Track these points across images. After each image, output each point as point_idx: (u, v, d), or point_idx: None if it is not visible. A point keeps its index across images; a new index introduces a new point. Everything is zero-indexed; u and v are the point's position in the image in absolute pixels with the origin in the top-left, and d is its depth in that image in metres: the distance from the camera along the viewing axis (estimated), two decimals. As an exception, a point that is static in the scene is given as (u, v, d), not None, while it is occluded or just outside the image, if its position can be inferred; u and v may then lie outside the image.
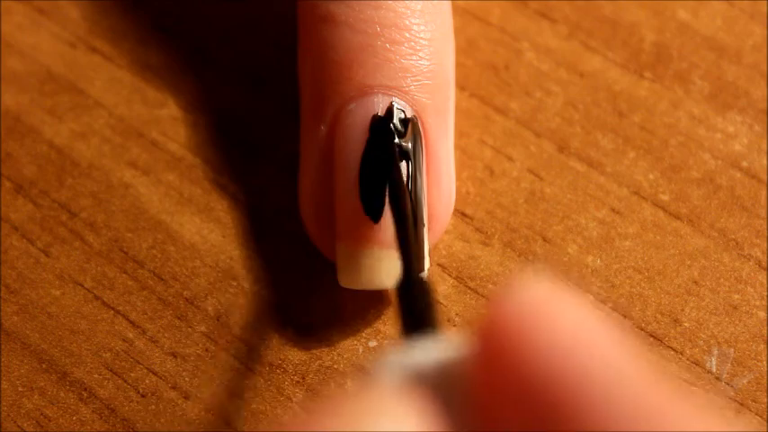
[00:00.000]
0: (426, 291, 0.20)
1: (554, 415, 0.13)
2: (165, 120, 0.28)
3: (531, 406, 0.14)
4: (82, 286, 0.26)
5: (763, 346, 0.24)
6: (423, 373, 0.15)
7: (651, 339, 0.24)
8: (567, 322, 0.14)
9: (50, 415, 0.24)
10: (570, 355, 0.13)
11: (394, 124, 0.24)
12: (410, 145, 0.24)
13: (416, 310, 0.19)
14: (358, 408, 0.14)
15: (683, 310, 0.25)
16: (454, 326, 0.25)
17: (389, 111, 0.24)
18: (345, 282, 0.24)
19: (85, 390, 0.25)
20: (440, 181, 0.24)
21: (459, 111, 0.27)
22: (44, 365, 0.25)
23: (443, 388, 0.15)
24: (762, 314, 0.25)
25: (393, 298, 0.24)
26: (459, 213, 0.26)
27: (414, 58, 0.24)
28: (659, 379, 0.14)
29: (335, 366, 0.25)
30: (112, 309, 0.25)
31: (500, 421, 0.14)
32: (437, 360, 0.15)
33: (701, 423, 0.13)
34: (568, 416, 0.13)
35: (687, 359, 0.24)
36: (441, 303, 0.25)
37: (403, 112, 0.24)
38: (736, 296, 0.25)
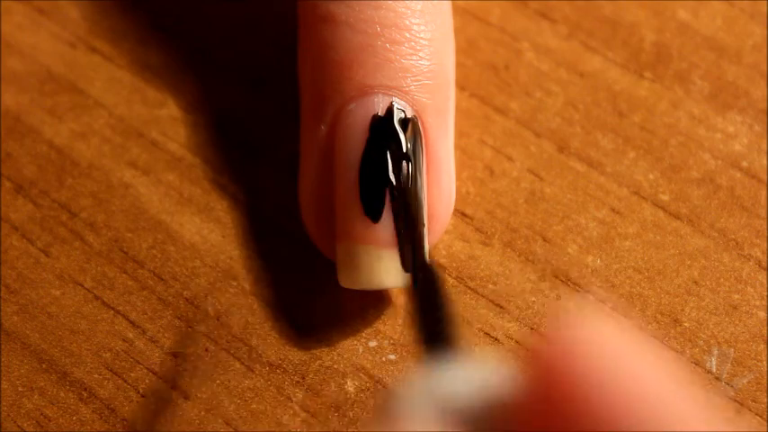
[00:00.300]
0: (446, 298, 0.19)
1: None
2: (165, 120, 0.28)
3: None
4: (82, 286, 0.26)
5: (763, 346, 0.24)
6: (456, 402, 0.14)
7: (651, 339, 0.24)
8: (627, 362, 0.13)
9: (50, 415, 0.24)
10: (632, 397, 0.13)
11: (393, 123, 0.24)
12: (410, 145, 0.24)
13: (437, 320, 0.18)
14: None
15: (683, 310, 0.25)
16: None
17: (389, 111, 0.24)
18: (345, 282, 0.24)
19: (85, 390, 0.25)
20: (440, 181, 0.24)
21: (459, 111, 0.27)
22: (44, 365, 0.25)
23: (480, 421, 0.14)
24: (762, 314, 0.25)
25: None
26: (459, 213, 0.26)
27: (414, 58, 0.24)
28: (716, 419, 0.13)
29: (335, 366, 0.24)
30: (112, 309, 0.25)
31: None
32: (473, 390, 0.14)
33: None
34: None
35: (687, 359, 0.24)
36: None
37: (403, 111, 0.24)
38: (736, 296, 0.25)
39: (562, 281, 0.25)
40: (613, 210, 0.26)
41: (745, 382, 0.24)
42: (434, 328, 0.17)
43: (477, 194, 0.26)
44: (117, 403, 0.24)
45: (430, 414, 0.14)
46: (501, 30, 0.28)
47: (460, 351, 0.16)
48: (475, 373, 0.14)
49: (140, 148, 0.27)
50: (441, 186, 0.25)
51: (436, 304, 0.18)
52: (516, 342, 0.24)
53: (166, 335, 0.25)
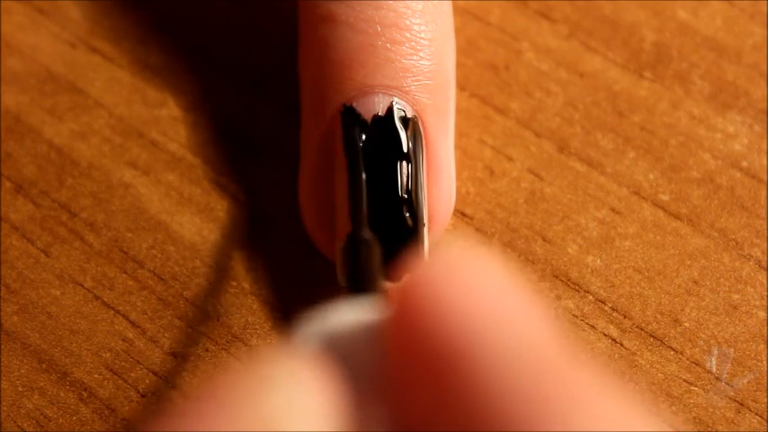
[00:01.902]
0: (371, 253, 0.20)
1: (454, 386, 0.13)
2: (165, 120, 0.28)
3: (437, 371, 0.13)
4: (82, 286, 0.26)
5: (763, 346, 0.24)
6: (334, 337, 0.15)
7: (651, 339, 0.24)
8: (480, 287, 0.14)
9: (50, 415, 0.24)
10: (475, 320, 0.13)
11: (394, 123, 0.24)
12: (411, 145, 0.24)
13: (358, 270, 0.19)
14: (255, 378, 0.14)
15: (683, 310, 0.25)
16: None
17: (390, 110, 0.24)
18: (345, 282, 0.24)
19: (85, 390, 0.25)
20: (440, 181, 0.24)
21: (459, 111, 0.27)
22: (44, 365, 0.25)
23: (355, 354, 0.15)
24: (762, 314, 0.25)
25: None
26: (459, 213, 0.26)
27: (414, 58, 0.24)
28: (563, 350, 0.14)
29: (335, 366, 0.24)
30: (112, 309, 0.25)
31: (407, 389, 0.14)
32: (351, 323, 0.15)
33: (597, 394, 0.13)
34: (466, 386, 0.13)
35: (687, 359, 0.24)
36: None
37: (403, 111, 0.24)
38: (736, 296, 0.25)
39: (562, 281, 0.25)
40: (613, 210, 0.26)
41: (745, 382, 0.24)
42: (355, 280, 0.19)
43: (477, 194, 0.26)
44: (117, 403, 0.24)
45: (309, 348, 0.15)
46: (501, 30, 0.28)
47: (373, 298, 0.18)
48: (360, 310, 0.15)
49: (140, 148, 0.27)
50: (441, 186, 0.25)
51: (360, 258, 0.20)
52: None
53: (166, 335, 0.25)
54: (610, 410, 0.13)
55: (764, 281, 0.25)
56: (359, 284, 0.19)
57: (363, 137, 0.23)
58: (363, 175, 0.23)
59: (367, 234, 0.21)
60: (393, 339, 0.14)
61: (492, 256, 0.14)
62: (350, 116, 0.24)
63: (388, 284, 0.14)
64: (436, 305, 0.14)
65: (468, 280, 0.14)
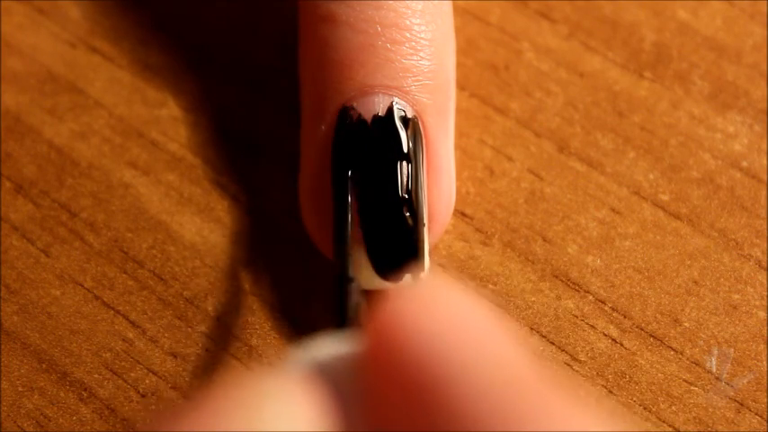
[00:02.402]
0: (353, 291, 0.21)
1: (429, 411, 0.14)
2: (165, 120, 0.28)
3: (412, 399, 0.14)
4: (82, 286, 0.26)
5: (763, 346, 0.24)
6: (322, 366, 0.15)
7: (651, 339, 0.24)
8: (451, 318, 0.14)
9: (50, 415, 0.24)
10: (448, 351, 0.14)
11: (394, 123, 0.24)
12: (411, 145, 0.24)
13: (342, 307, 0.20)
14: (249, 391, 0.15)
15: (683, 310, 0.25)
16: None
17: (390, 110, 0.24)
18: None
19: (85, 390, 0.25)
20: (440, 181, 0.24)
21: (459, 111, 0.27)
22: (44, 365, 0.25)
23: (339, 380, 0.15)
24: (762, 314, 0.25)
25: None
26: (459, 213, 0.26)
27: (414, 58, 0.24)
28: (540, 378, 0.14)
29: (336, 366, 0.24)
30: (112, 309, 0.25)
31: (388, 416, 0.14)
32: (337, 354, 0.16)
33: (572, 420, 0.13)
34: (442, 413, 0.14)
35: (687, 359, 0.24)
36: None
37: (404, 111, 0.24)
38: (736, 296, 0.25)
39: (562, 281, 0.25)
40: (613, 210, 0.26)
41: (745, 382, 0.24)
42: (339, 317, 0.20)
43: (477, 194, 0.26)
44: (117, 403, 0.24)
45: (296, 373, 0.15)
46: (501, 30, 0.28)
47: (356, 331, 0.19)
48: (346, 341, 0.16)
49: (140, 148, 0.27)
50: (441, 186, 0.25)
51: (344, 296, 0.21)
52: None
53: (166, 335, 0.25)
54: (582, 426, 0.13)
55: (764, 281, 0.25)
56: (341, 320, 0.20)
57: (351, 173, 0.24)
58: (349, 216, 0.23)
59: (350, 274, 0.22)
60: (370, 368, 0.15)
61: (460, 288, 0.15)
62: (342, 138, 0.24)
63: (369, 314, 0.15)
64: (407, 336, 0.14)
65: (439, 309, 0.14)
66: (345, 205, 0.23)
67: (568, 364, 0.24)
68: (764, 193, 0.26)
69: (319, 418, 0.15)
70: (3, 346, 0.25)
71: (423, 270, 0.23)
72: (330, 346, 0.16)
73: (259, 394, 0.14)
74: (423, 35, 0.24)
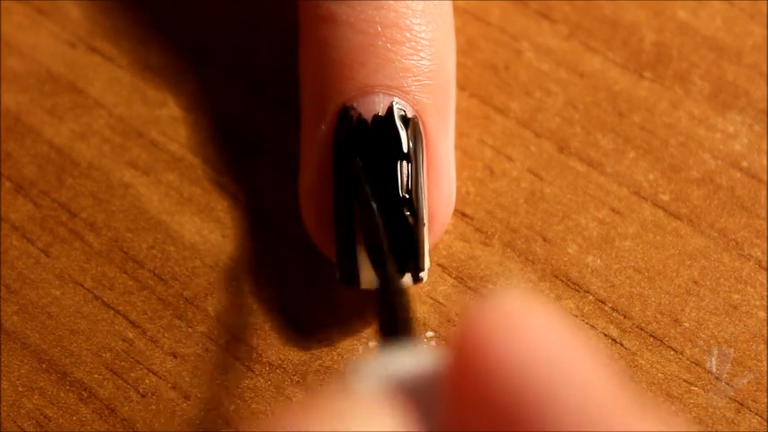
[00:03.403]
0: (405, 299, 0.20)
1: (510, 419, 0.14)
2: (165, 120, 0.28)
3: (498, 418, 0.14)
4: (82, 286, 0.26)
5: (763, 346, 0.24)
6: (399, 381, 0.15)
7: (651, 339, 0.24)
8: (538, 336, 0.14)
9: (50, 415, 0.24)
10: (538, 370, 0.14)
11: (394, 123, 0.24)
12: (411, 144, 0.24)
13: (395, 317, 0.20)
14: (335, 410, 0.14)
15: (683, 310, 0.25)
16: (454, 326, 0.25)
17: (390, 110, 0.24)
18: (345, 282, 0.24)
19: (85, 390, 0.25)
20: (440, 181, 0.24)
21: (459, 111, 0.27)
22: (44, 365, 0.25)
23: (419, 397, 0.15)
24: (762, 314, 0.25)
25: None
26: (459, 213, 0.26)
27: (415, 58, 0.24)
28: (627, 396, 0.14)
29: (335, 366, 0.24)
30: (112, 309, 0.25)
31: (469, 425, 0.14)
32: (414, 369, 0.15)
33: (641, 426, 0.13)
34: (521, 420, 0.14)
35: (687, 359, 0.24)
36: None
37: (404, 111, 0.24)
38: (736, 296, 0.25)
39: (562, 281, 0.25)
40: (613, 210, 0.26)
41: (745, 382, 0.24)
42: (393, 327, 0.19)
43: (477, 194, 0.26)
44: (117, 403, 0.24)
45: (372, 388, 0.15)
46: (501, 30, 0.28)
47: (411, 343, 0.18)
48: (417, 355, 0.16)
49: (140, 148, 0.27)
50: (441, 186, 0.25)
51: (396, 305, 0.20)
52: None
53: (166, 335, 0.25)
54: None
55: (764, 281, 0.25)
56: (399, 332, 0.19)
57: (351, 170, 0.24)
58: (352, 219, 0.23)
59: (400, 283, 0.22)
60: (454, 388, 0.15)
61: (544, 303, 0.15)
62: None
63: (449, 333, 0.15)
64: (496, 355, 0.14)
65: (526, 329, 0.14)
66: (346, 206, 0.23)
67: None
68: (764, 193, 0.26)
69: None
70: (3, 346, 0.25)
71: (423, 270, 0.23)
72: (405, 361, 0.16)
73: (341, 415, 0.14)
74: (423, 35, 0.24)
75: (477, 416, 0.14)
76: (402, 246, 0.23)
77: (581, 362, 0.14)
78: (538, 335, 0.14)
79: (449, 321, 0.25)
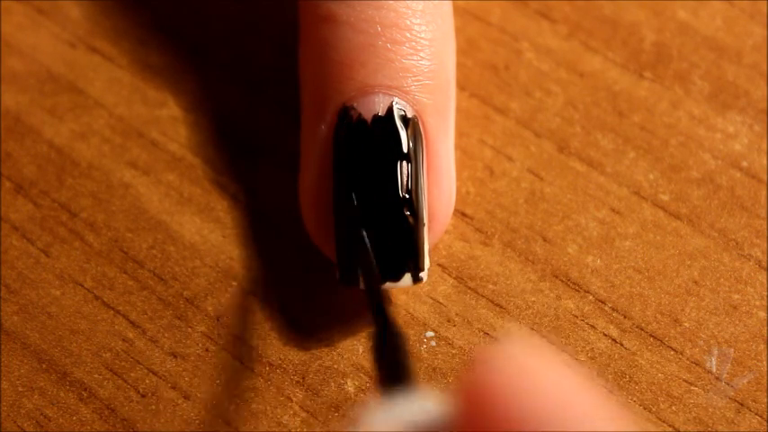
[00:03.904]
0: (403, 343, 0.20)
1: None
2: (165, 120, 0.28)
3: None
4: (82, 286, 0.26)
5: (763, 346, 0.24)
6: (413, 426, 0.15)
7: (651, 339, 0.24)
8: (549, 386, 0.14)
9: (50, 415, 0.24)
10: (551, 420, 0.14)
11: (394, 123, 0.24)
12: (411, 144, 0.24)
13: (395, 363, 0.20)
14: None
15: (683, 310, 0.25)
16: (454, 326, 0.25)
17: (390, 110, 0.24)
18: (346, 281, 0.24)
19: (85, 390, 0.25)
20: (440, 181, 0.24)
21: (459, 111, 0.27)
22: (44, 365, 0.25)
23: None
24: (762, 314, 0.25)
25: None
26: (459, 213, 0.26)
27: (415, 58, 0.24)
28: None
29: (335, 366, 0.24)
30: (112, 309, 0.25)
31: None
32: (423, 418, 0.15)
33: None
34: None
35: (687, 359, 0.24)
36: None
37: (404, 111, 0.24)
38: (736, 296, 0.25)
39: (562, 281, 0.25)
40: (613, 210, 0.26)
41: (745, 382, 0.24)
42: (394, 373, 0.19)
43: (477, 194, 0.26)
44: (117, 403, 0.24)
45: None
46: (501, 30, 0.28)
47: (414, 388, 0.18)
48: (425, 403, 0.16)
49: (140, 148, 0.27)
50: (441, 186, 0.25)
51: (394, 351, 0.20)
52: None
53: (166, 335, 0.25)
54: None
55: (764, 281, 0.25)
56: (403, 380, 0.19)
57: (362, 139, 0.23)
58: (353, 223, 0.23)
59: (397, 329, 0.22)
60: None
61: (551, 355, 0.15)
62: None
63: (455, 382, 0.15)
64: (508, 407, 0.14)
65: (536, 381, 0.14)
66: (346, 206, 0.23)
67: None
68: (764, 193, 0.26)
69: None
70: (3, 346, 0.25)
71: (423, 270, 0.23)
72: (415, 409, 0.16)
73: None
74: (423, 35, 0.24)
75: None
76: (402, 246, 0.23)
77: (594, 417, 0.14)
78: (548, 387, 0.14)
79: (449, 321, 0.25)
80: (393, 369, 0.19)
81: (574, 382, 0.14)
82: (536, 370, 0.14)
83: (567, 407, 0.14)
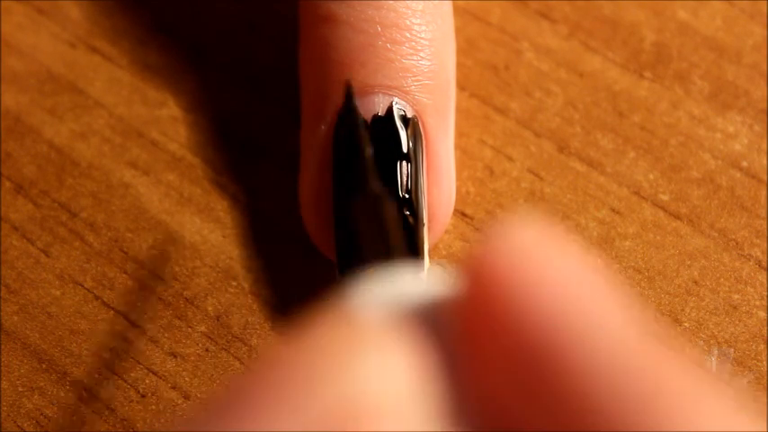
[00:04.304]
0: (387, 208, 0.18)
1: (535, 360, 0.13)
2: (165, 120, 0.28)
3: (515, 350, 0.13)
4: (82, 286, 0.26)
5: (763, 346, 0.24)
6: (408, 307, 0.14)
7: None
8: (556, 268, 0.13)
9: (50, 415, 0.24)
10: (555, 303, 0.13)
11: (394, 123, 0.24)
12: (411, 144, 0.24)
13: (382, 229, 0.18)
14: (338, 343, 0.13)
15: (683, 310, 0.25)
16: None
17: (390, 110, 0.24)
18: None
19: (85, 390, 0.25)
20: (440, 181, 0.24)
21: (459, 111, 0.27)
22: (44, 365, 0.25)
23: (430, 324, 0.14)
24: (762, 314, 0.25)
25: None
26: (459, 213, 0.26)
27: (414, 58, 0.24)
28: (643, 332, 0.13)
29: (336, 366, 0.24)
30: (112, 309, 0.25)
31: (485, 361, 0.14)
32: (422, 295, 0.14)
33: (675, 377, 0.13)
34: (547, 362, 0.13)
35: (687, 359, 0.24)
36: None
37: (403, 111, 0.24)
38: (736, 296, 0.25)
39: (562, 281, 0.25)
40: (613, 210, 0.26)
41: (745, 382, 0.24)
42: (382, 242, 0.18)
43: (477, 194, 0.26)
44: (117, 403, 0.24)
45: (382, 317, 0.14)
46: (501, 30, 0.28)
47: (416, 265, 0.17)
48: (422, 279, 0.14)
49: (140, 148, 0.27)
50: (441, 186, 0.25)
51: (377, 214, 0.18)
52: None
53: (166, 335, 0.25)
54: (713, 410, 0.12)
55: (764, 281, 0.25)
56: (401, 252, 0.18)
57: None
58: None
59: (377, 188, 0.19)
60: (468, 317, 0.14)
61: (563, 238, 0.14)
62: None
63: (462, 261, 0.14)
64: (516, 288, 0.13)
65: (547, 262, 0.13)
66: (346, 206, 0.23)
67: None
68: (764, 193, 0.26)
69: (420, 373, 0.13)
70: (3, 346, 0.25)
71: (422, 270, 0.23)
72: (412, 286, 0.14)
73: (345, 348, 0.13)
74: (423, 35, 0.24)
75: (497, 348, 0.13)
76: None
77: (604, 297, 0.13)
78: (559, 268, 0.13)
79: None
80: (377, 237, 0.18)
81: (586, 269, 0.13)
82: (546, 253, 0.13)
83: (581, 294, 0.13)
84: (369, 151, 0.19)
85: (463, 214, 0.26)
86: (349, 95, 0.21)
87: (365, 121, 0.23)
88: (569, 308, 0.13)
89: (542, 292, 0.13)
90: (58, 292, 0.26)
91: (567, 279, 0.13)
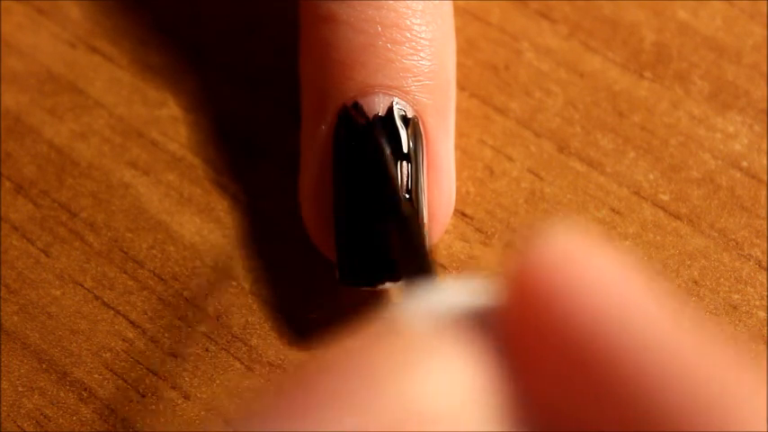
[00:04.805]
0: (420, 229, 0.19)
1: (588, 362, 0.13)
2: (165, 120, 0.28)
3: (565, 353, 0.13)
4: (82, 286, 0.26)
5: (763, 347, 0.24)
6: (455, 316, 0.14)
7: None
8: (596, 272, 0.13)
9: (50, 415, 0.24)
10: (599, 303, 0.13)
11: (394, 123, 0.24)
12: (411, 145, 0.24)
13: (417, 249, 0.19)
14: (398, 352, 0.13)
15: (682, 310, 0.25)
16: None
17: (390, 110, 0.24)
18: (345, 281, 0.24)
19: (85, 390, 0.25)
20: (440, 181, 0.24)
21: (459, 111, 0.27)
22: (44, 365, 0.25)
23: (480, 332, 0.14)
24: (762, 314, 0.25)
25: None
26: (459, 213, 0.26)
27: (415, 58, 0.24)
28: (687, 325, 0.13)
29: (336, 366, 0.24)
30: (112, 309, 0.25)
31: (536, 367, 0.14)
32: (467, 304, 0.14)
33: (725, 369, 0.13)
34: (601, 362, 0.13)
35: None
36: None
37: (404, 111, 0.24)
38: (736, 296, 0.25)
39: (562, 281, 0.25)
40: (613, 210, 0.26)
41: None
42: (417, 259, 0.18)
43: (477, 194, 0.26)
44: (117, 403, 0.24)
45: (430, 326, 0.14)
46: (501, 30, 0.28)
47: (441, 279, 0.17)
48: (464, 291, 0.15)
49: (140, 148, 0.27)
50: (441, 187, 0.25)
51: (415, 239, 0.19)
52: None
53: (166, 335, 0.25)
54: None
55: (764, 281, 0.25)
56: (421, 267, 0.18)
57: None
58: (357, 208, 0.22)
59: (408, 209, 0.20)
60: (515, 324, 0.14)
61: (601, 245, 0.14)
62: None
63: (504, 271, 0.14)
64: (560, 292, 0.13)
65: (588, 266, 0.13)
66: (346, 206, 0.23)
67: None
68: (764, 193, 0.26)
69: (477, 380, 0.13)
70: (3, 346, 0.25)
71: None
72: (456, 296, 0.14)
73: (412, 353, 0.13)
74: (423, 35, 0.24)
75: (547, 353, 0.13)
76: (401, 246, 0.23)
77: (647, 294, 0.13)
78: (599, 269, 0.13)
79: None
80: (419, 259, 0.18)
81: (629, 274, 0.14)
82: (588, 258, 0.14)
83: (625, 296, 0.13)
84: (396, 174, 0.20)
85: (463, 214, 0.26)
86: (375, 122, 0.21)
87: (389, 145, 0.23)
88: (615, 307, 0.13)
89: (587, 293, 0.13)
90: (58, 292, 0.26)
91: (608, 279, 0.13)
